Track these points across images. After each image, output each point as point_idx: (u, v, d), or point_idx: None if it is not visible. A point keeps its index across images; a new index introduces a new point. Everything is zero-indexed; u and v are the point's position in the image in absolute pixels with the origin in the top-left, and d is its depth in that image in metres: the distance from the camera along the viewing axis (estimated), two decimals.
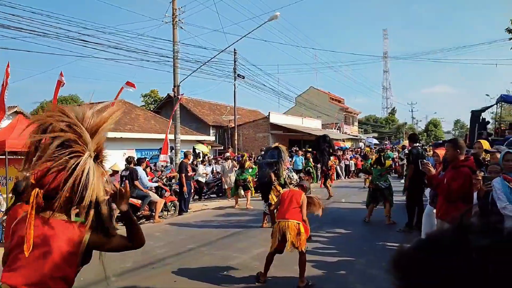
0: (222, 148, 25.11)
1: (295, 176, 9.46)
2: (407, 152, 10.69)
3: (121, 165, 14.30)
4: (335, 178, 18.91)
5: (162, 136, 15.81)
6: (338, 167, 20.37)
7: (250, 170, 11.62)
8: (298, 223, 4.66)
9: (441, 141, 18.29)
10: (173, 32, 15.88)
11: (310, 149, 19.34)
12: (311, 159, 17.41)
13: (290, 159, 16.55)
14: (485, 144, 5.50)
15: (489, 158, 5.35)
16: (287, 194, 4.88)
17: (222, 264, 5.67)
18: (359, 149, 28.17)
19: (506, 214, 3.88)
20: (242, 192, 11.57)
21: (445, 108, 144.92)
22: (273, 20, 15.79)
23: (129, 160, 9.77)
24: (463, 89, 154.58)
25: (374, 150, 19.15)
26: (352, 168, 22.52)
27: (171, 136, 16.42)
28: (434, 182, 4.60)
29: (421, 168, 4.62)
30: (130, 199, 9.01)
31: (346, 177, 21.93)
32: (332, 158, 15.18)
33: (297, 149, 19.85)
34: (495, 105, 15.64)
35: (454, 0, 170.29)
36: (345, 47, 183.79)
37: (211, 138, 25.30)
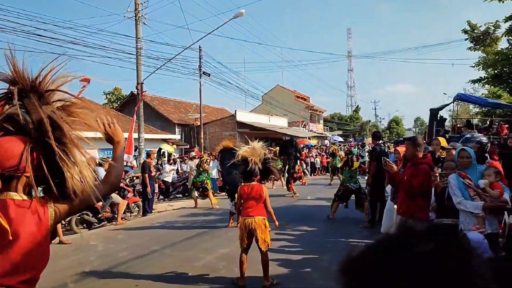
0: (188, 147, 24.77)
1: None
2: (370, 149, 10.97)
3: None
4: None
5: (125, 135, 15.34)
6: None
7: (206, 174, 11.48)
8: (264, 219, 4.64)
9: (402, 139, 18.95)
10: (136, 28, 15.47)
11: (277, 148, 19.56)
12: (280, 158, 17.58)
13: None
14: (443, 141, 5.70)
15: (445, 155, 5.55)
16: (247, 190, 4.69)
17: (187, 266, 5.55)
18: (324, 147, 28.66)
19: (461, 209, 4.04)
20: (196, 194, 11.44)
21: (407, 106, 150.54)
22: (238, 18, 15.74)
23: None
24: (423, 88, 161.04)
25: (342, 148, 19.54)
26: (318, 166, 22.86)
27: (135, 135, 16.02)
28: (397, 179, 4.69)
29: (383, 166, 4.71)
30: None
31: (312, 174, 22.25)
32: (298, 162, 15.45)
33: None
34: (452, 103, 16.35)
35: (415, 2, 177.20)
36: (310, 46, 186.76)
37: (177, 136, 24.89)
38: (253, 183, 4.73)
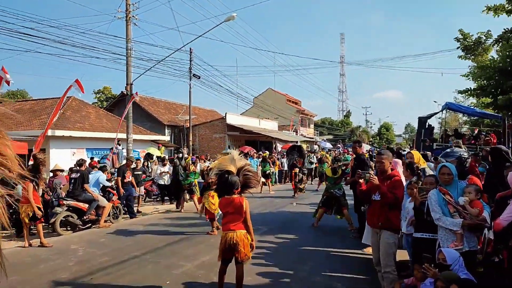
0: (177, 148, 24.66)
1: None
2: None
3: (70, 164, 13.61)
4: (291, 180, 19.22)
5: (115, 135, 15.27)
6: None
7: (194, 175, 11.35)
8: (246, 232, 4.49)
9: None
10: (127, 28, 15.37)
11: (267, 153, 19.63)
12: (270, 162, 17.63)
13: None
14: (416, 155, 5.65)
15: (424, 165, 5.57)
16: (226, 202, 4.51)
17: (165, 273, 5.48)
18: (312, 152, 28.57)
19: (440, 225, 4.05)
20: (187, 196, 11.36)
21: (397, 113, 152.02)
22: (230, 21, 15.73)
23: (80, 163, 9.35)
24: (414, 95, 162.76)
25: (331, 154, 19.64)
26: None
27: (123, 136, 15.89)
28: (381, 191, 4.59)
29: (357, 178, 4.70)
30: (77, 203, 8.73)
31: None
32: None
33: (255, 151, 20.02)
34: (441, 112, 16.52)
35: (406, 11, 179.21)
36: (303, 50, 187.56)
37: (166, 138, 24.76)
38: (233, 195, 4.52)
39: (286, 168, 20.38)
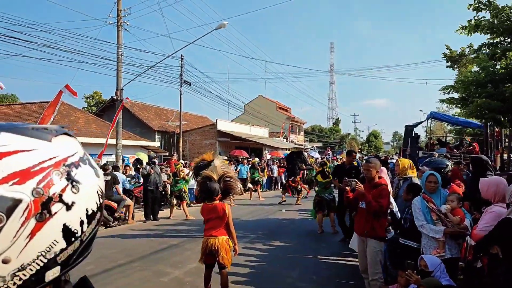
0: (168, 154, 24.55)
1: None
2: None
3: None
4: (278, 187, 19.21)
5: (103, 140, 15.15)
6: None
7: (183, 182, 11.36)
8: (228, 238, 4.56)
9: (373, 156, 19.32)
10: (118, 34, 15.36)
11: (256, 159, 19.68)
12: (259, 169, 17.66)
13: (235, 168, 16.55)
14: (405, 163, 5.70)
15: (412, 174, 5.66)
16: (210, 209, 4.56)
17: (152, 281, 5.46)
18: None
19: (423, 232, 4.14)
20: (174, 201, 11.37)
21: (385, 121, 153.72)
22: (221, 28, 15.82)
23: (105, 168, 10.17)
24: (401, 103, 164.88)
25: (317, 163, 19.82)
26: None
27: (113, 141, 15.79)
28: (366, 200, 4.66)
29: (344, 186, 4.76)
30: (109, 201, 9.47)
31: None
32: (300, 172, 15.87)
33: (243, 158, 20.03)
34: (426, 121, 16.80)
35: (394, 21, 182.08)
36: (294, 58, 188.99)
37: (156, 143, 24.63)
38: (215, 202, 4.57)
39: (275, 174, 20.44)
